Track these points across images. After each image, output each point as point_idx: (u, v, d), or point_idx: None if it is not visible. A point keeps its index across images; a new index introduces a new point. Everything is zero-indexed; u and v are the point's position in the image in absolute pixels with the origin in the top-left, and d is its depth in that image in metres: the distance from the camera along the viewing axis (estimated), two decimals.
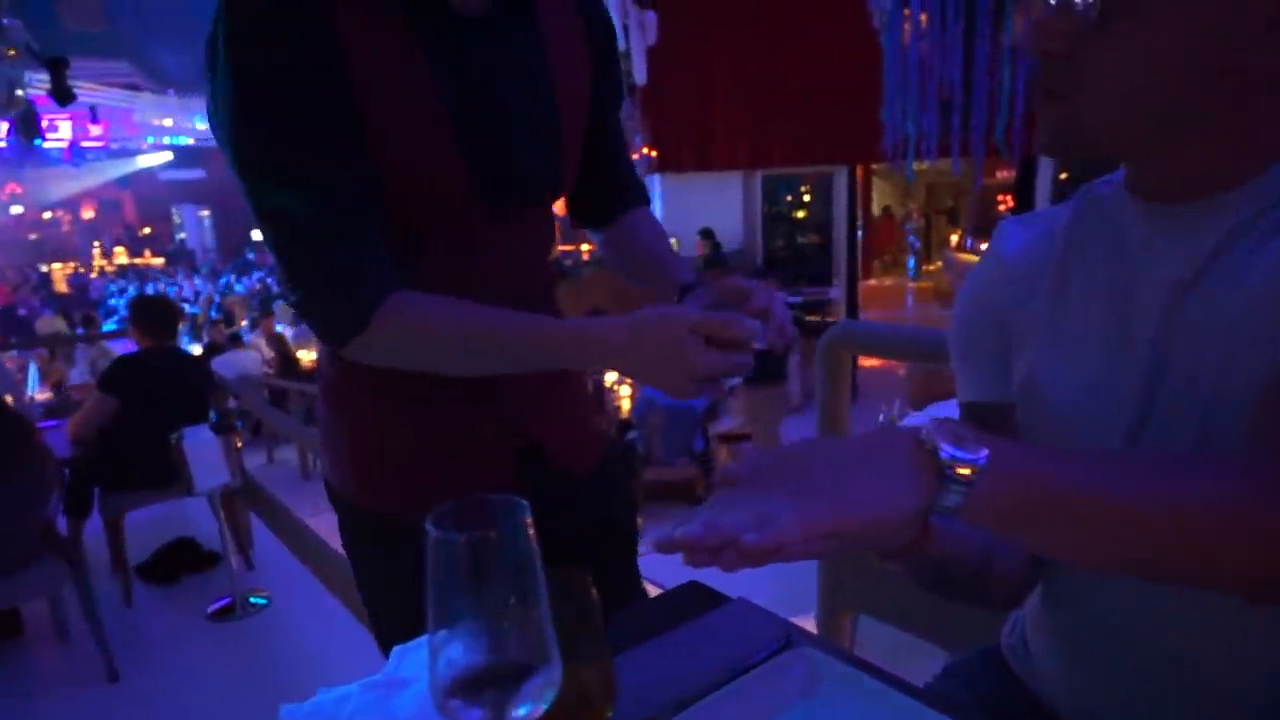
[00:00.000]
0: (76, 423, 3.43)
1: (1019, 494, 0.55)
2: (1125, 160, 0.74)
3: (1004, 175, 6.41)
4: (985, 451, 0.53)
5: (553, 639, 0.53)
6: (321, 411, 1.11)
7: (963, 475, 0.53)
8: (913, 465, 0.54)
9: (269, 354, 7.57)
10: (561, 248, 15.39)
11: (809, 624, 1.88)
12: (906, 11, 2.61)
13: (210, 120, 0.88)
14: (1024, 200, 6.08)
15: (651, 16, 6.12)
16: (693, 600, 0.94)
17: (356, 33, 0.85)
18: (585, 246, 14.63)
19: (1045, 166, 4.98)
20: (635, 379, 1.02)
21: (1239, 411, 0.64)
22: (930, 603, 1.54)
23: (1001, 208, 6.68)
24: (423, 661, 0.63)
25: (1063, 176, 5.31)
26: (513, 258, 1.04)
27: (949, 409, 2.26)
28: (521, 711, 0.51)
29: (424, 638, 0.54)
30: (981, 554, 0.78)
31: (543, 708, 0.52)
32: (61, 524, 3.09)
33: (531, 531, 0.52)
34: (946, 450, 0.53)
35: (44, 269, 14.33)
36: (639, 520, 4.10)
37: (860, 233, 7.57)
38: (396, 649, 0.77)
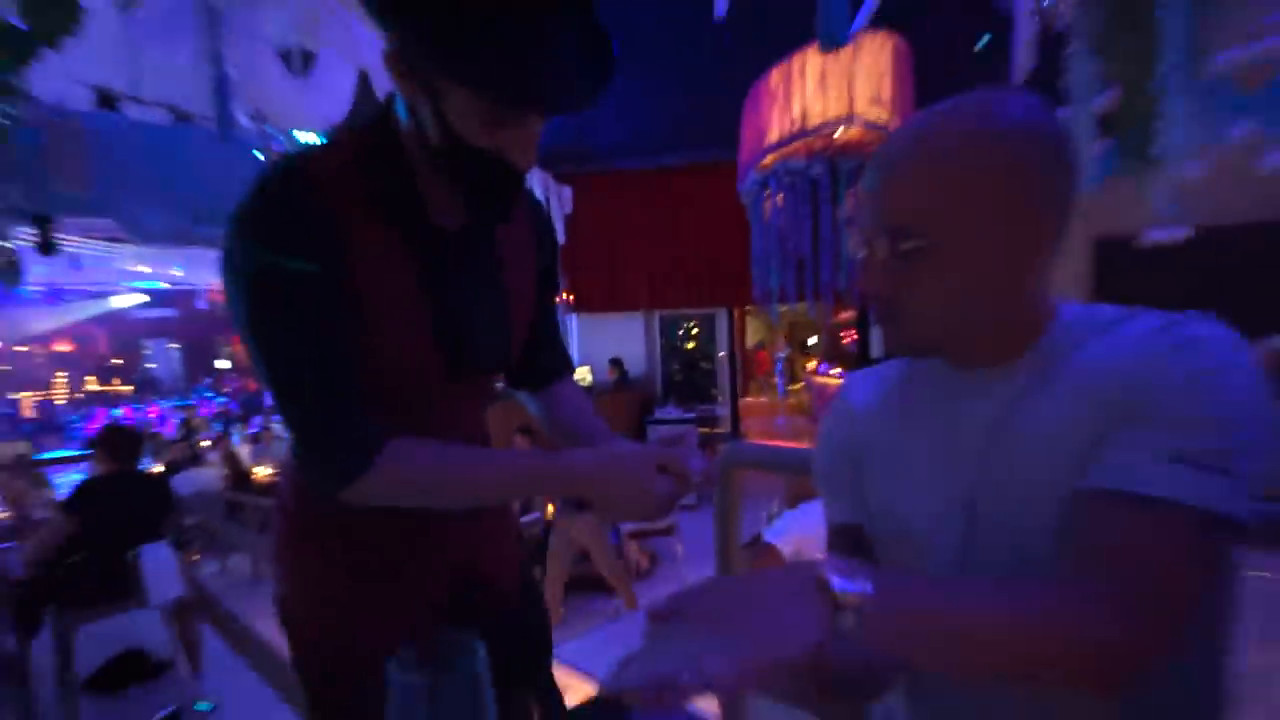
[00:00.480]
0: (33, 548, 3.23)
1: (900, 618, 0.56)
2: (935, 351, 0.79)
3: (846, 315, 6.98)
4: (870, 583, 0.55)
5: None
6: (278, 544, 1.06)
7: (853, 604, 0.54)
8: (811, 600, 0.54)
9: (225, 470, 7.27)
10: None
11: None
12: (767, 193, 2.86)
13: (228, 298, 0.87)
14: (862, 333, 6.66)
15: (568, 191, 6.76)
16: (604, 713, 0.94)
17: (360, 246, 0.87)
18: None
19: (873, 314, 5.36)
20: (602, 505, 0.91)
21: (1046, 524, 0.68)
22: (812, 697, 1.52)
23: (845, 340, 7.17)
24: None
25: None
26: (460, 412, 1.08)
27: (816, 507, 2.36)
28: None
29: None
30: (864, 664, 0.77)
31: None
32: (9, 642, 2.89)
33: (484, 666, 0.52)
34: (837, 584, 0.54)
35: (11, 397, 13.57)
36: (561, 612, 4.00)
37: (739, 361, 8.04)
38: None
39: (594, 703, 0.98)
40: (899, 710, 0.89)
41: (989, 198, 0.69)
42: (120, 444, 3.55)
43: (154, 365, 16.33)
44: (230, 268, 0.85)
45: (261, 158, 4.38)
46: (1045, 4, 2.71)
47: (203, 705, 3.25)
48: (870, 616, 0.54)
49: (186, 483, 6.21)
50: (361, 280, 0.88)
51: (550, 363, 1.20)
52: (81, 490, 3.36)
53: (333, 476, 0.87)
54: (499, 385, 1.19)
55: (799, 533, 2.17)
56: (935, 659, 0.60)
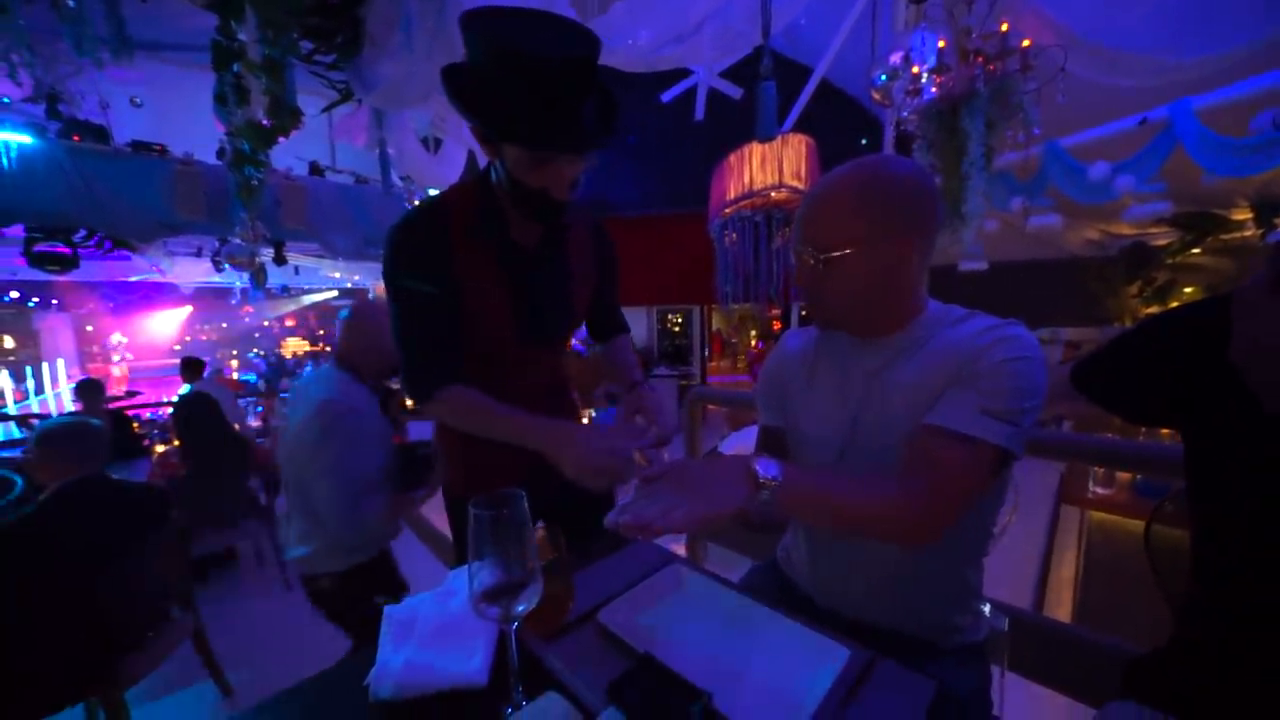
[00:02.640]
0: (271, 445, 3.23)
1: (794, 495, 0.57)
2: (847, 325, 0.75)
3: (775, 311, 6.91)
4: (779, 473, 0.56)
5: (538, 568, 0.52)
6: (435, 442, 1.09)
7: (768, 485, 0.55)
8: (743, 480, 0.55)
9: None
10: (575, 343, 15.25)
11: (680, 548, 1.90)
12: (726, 233, 2.82)
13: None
14: (785, 322, 6.45)
15: None
16: (614, 541, 0.89)
17: (463, 255, 0.86)
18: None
19: (795, 307, 5.32)
20: (557, 462, 0.77)
21: (898, 444, 0.67)
22: (744, 535, 1.55)
23: (775, 326, 7.15)
24: (465, 580, 0.65)
25: (803, 313, 5.65)
26: (531, 365, 1.00)
27: (748, 433, 2.36)
28: (520, 608, 0.52)
29: (465, 566, 0.54)
30: (763, 513, 0.74)
31: (533, 605, 0.52)
32: (262, 498, 2.90)
33: (526, 509, 0.51)
34: (761, 472, 0.55)
35: (258, 353, 13.59)
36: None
37: (707, 339, 8.01)
38: (451, 572, 0.73)
39: (599, 534, 0.94)
40: (795, 540, 0.89)
41: (878, 224, 0.66)
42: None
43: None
44: (384, 265, 0.87)
45: (408, 204, 4.25)
46: (902, 115, 2.66)
47: None
48: (777, 491, 0.55)
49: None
50: (462, 278, 0.87)
51: (610, 326, 1.12)
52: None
53: (412, 398, 0.90)
54: (581, 344, 1.13)
55: (738, 446, 2.18)
56: (813, 518, 0.64)
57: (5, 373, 8.56)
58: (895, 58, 2.64)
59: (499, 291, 0.90)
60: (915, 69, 2.30)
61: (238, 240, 3.68)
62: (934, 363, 0.67)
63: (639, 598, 0.71)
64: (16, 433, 4.67)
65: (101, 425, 1.51)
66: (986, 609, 0.79)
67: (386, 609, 0.66)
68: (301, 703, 0.59)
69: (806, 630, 0.64)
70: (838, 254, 0.68)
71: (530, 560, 0.52)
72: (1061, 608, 1.89)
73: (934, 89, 2.21)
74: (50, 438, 1.42)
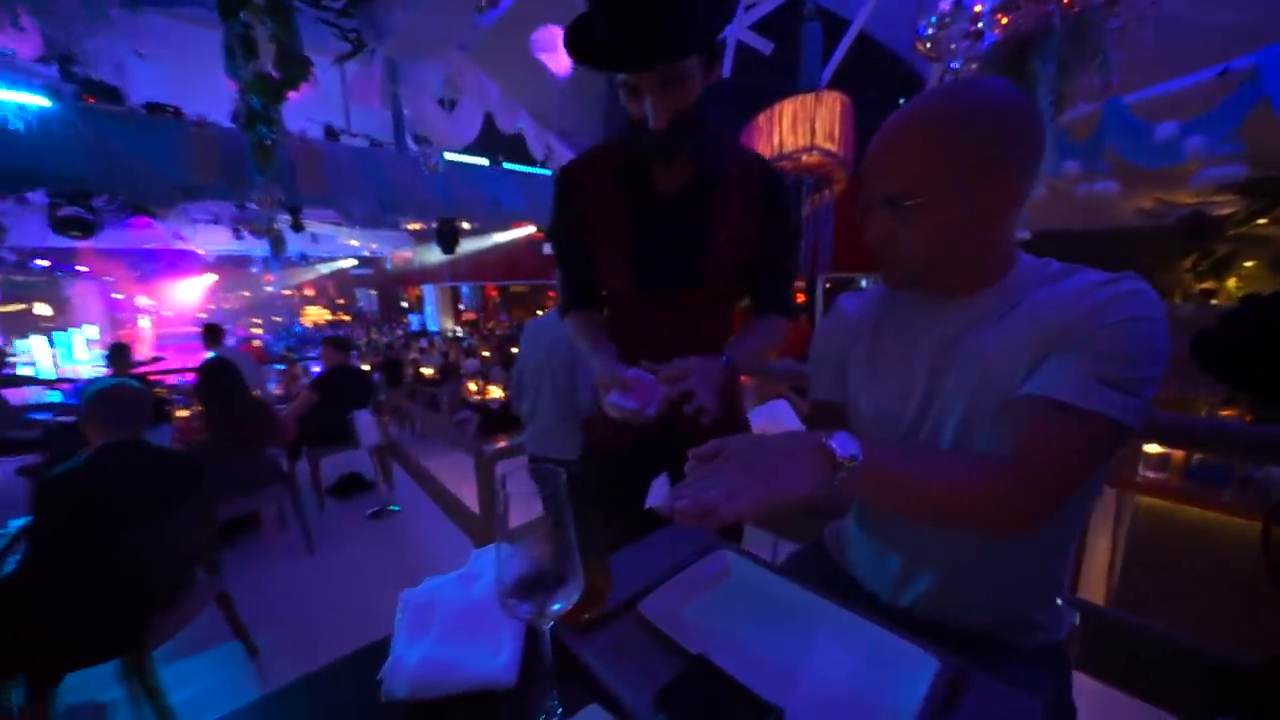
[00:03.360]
0: (294, 409, 3.25)
1: (877, 477, 0.53)
2: (924, 282, 0.68)
3: (800, 284, 6.67)
4: (861, 452, 0.51)
5: (578, 558, 0.46)
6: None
7: (847, 466, 0.51)
8: (817, 459, 0.51)
9: (409, 371, 7.37)
10: None
11: None
12: None
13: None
14: (809, 297, 6.22)
15: None
16: (654, 520, 0.83)
17: (594, 199, 0.95)
18: None
19: (820, 281, 5.11)
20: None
21: (984, 419, 0.62)
22: (789, 518, 1.47)
23: (800, 298, 6.95)
24: (491, 562, 0.62)
25: (828, 286, 5.46)
26: (651, 324, 0.98)
27: (775, 407, 2.27)
28: (556, 607, 0.46)
29: (492, 546, 0.50)
30: (833, 497, 0.73)
31: (570, 604, 0.47)
32: (284, 464, 2.92)
33: (565, 487, 0.46)
34: (839, 451, 0.51)
35: (276, 320, 13.79)
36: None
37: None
38: (474, 553, 0.70)
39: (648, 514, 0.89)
40: (852, 523, 0.85)
41: (970, 160, 0.58)
42: (337, 347, 3.52)
43: (361, 305, 16.37)
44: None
45: (426, 168, 4.13)
46: (951, 67, 2.42)
47: (394, 507, 3.31)
48: (856, 473, 0.51)
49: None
50: (590, 220, 0.96)
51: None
52: (322, 376, 3.36)
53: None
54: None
55: (764, 422, 2.12)
56: (894, 504, 0.57)
57: (43, 339, 8.83)
58: (945, 2, 2.40)
59: (620, 236, 0.94)
60: (978, 8, 2.06)
61: (254, 206, 3.62)
62: (1030, 325, 0.60)
63: (683, 587, 0.66)
64: (57, 396, 4.80)
65: (144, 389, 1.57)
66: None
67: (403, 594, 0.62)
68: (312, 695, 0.53)
69: (883, 632, 0.58)
70: (919, 200, 0.60)
71: (572, 550, 0.46)
72: (1097, 590, 1.81)
73: (996, 30, 1.97)
74: (99, 398, 1.48)
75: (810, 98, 2.57)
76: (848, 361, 0.78)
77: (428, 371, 7.42)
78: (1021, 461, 0.55)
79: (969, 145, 0.58)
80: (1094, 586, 1.89)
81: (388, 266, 13.68)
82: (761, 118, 2.77)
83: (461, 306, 16.58)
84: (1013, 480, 0.54)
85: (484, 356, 8.43)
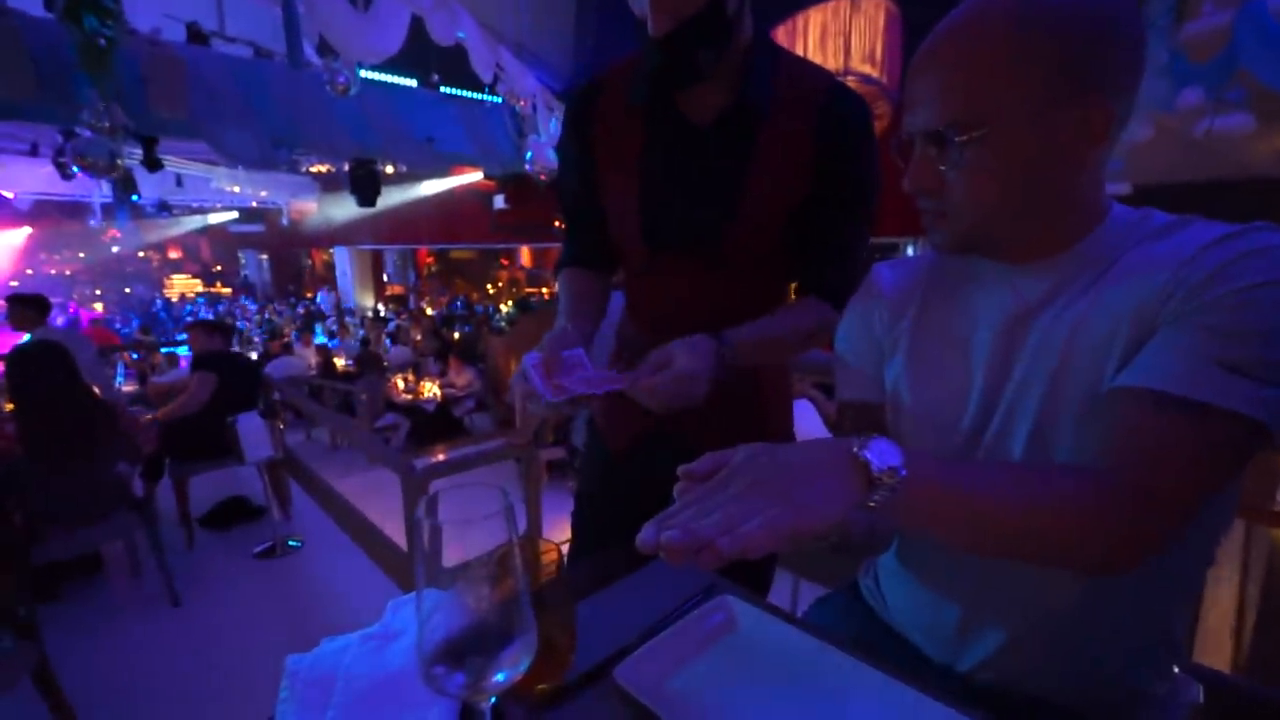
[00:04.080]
0: (181, 403, 3.19)
1: (929, 498, 0.52)
2: (988, 243, 0.67)
3: None
4: (904, 465, 0.50)
5: (529, 607, 0.45)
6: None
7: (888, 484, 0.49)
8: (848, 475, 0.50)
9: (312, 360, 7.28)
10: (528, 290, 15.32)
11: None
12: None
13: None
14: None
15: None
16: (635, 557, 0.85)
17: (605, 142, 0.99)
18: (545, 290, 14.56)
19: None
20: None
21: (1066, 420, 0.61)
22: (813, 555, 1.48)
23: None
24: (412, 614, 0.60)
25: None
26: (665, 289, 1.01)
27: (801, 405, 2.28)
28: (499, 676, 0.44)
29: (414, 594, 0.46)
30: (869, 526, 0.74)
31: (519, 672, 0.45)
32: (138, 486, 2.85)
33: (512, 507, 0.44)
34: (876, 464, 0.49)
35: (126, 291, 13.40)
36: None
37: None
38: (391, 603, 0.69)
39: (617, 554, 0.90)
40: (894, 561, 0.85)
41: (1041, 82, 0.56)
42: (210, 331, 3.46)
43: (246, 273, 16.03)
44: None
45: (330, 87, 4.02)
46: None
47: (293, 542, 3.26)
48: (900, 493, 0.49)
49: (279, 368, 6.16)
50: (599, 157, 0.99)
51: (806, 277, 1.00)
52: (212, 357, 3.30)
53: (553, 268, 1.11)
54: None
55: None
56: (954, 534, 0.55)
57: None
58: None
59: (630, 179, 0.97)
60: None
61: (88, 132, 3.45)
62: (1126, 295, 0.59)
63: (672, 646, 0.65)
64: None
65: None
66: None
67: (290, 661, 0.59)
68: None
69: (937, 706, 0.57)
70: (984, 130, 0.59)
71: (522, 598, 0.44)
72: (1220, 655, 1.85)
73: None
74: None
75: (845, 4, 2.53)
76: (886, 349, 0.77)
77: (340, 363, 7.33)
78: (1123, 474, 0.54)
79: (1045, 58, 0.56)
80: (1216, 648, 1.91)
81: (284, 223, 13.39)
82: (780, 30, 2.74)
83: (386, 277, 16.37)
84: (1112, 499, 0.53)
85: (416, 343, 8.34)
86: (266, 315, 11.13)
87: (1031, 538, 0.54)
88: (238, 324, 9.98)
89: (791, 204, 0.94)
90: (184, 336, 5.58)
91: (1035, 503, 0.53)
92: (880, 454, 0.50)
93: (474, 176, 10.48)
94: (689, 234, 0.95)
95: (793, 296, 1.05)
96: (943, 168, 0.62)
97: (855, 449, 0.50)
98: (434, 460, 2.46)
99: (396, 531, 2.86)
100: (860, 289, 0.83)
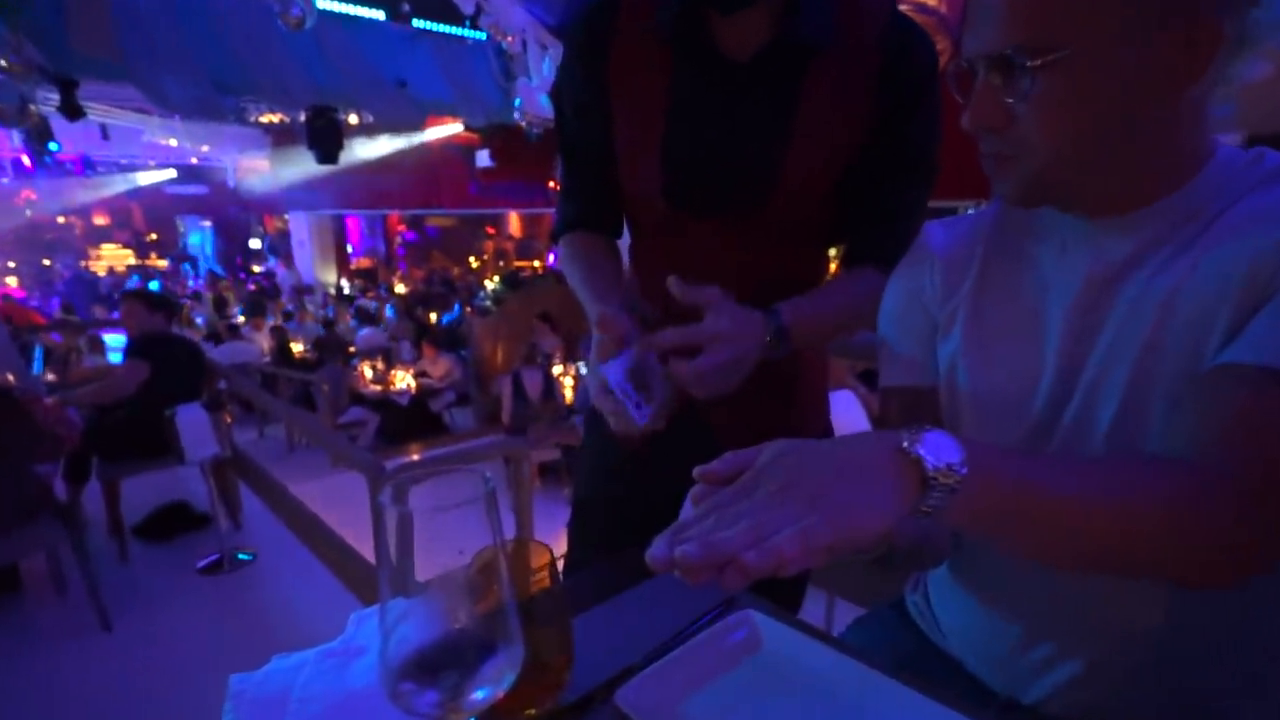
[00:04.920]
0: (106, 387, 3.25)
1: (997, 499, 0.51)
2: (1064, 193, 0.67)
3: None
4: (965, 460, 0.49)
5: (515, 615, 0.45)
6: None
7: (945, 484, 0.49)
8: (897, 474, 0.49)
9: (266, 345, 7.37)
10: (518, 263, 15.36)
11: None
12: None
13: None
14: None
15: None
16: (640, 560, 0.86)
17: (622, 81, 0.97)
18: (537, 263, 14.59)
19: None
20: None
21: (1158, 403, 0.61)
22: (852, 569, 1.49)
23: None
24: (375, 629, 0.59)
25: None
26: (686, 253, 0.99)
27: (836, 402, 2.30)
28: (479, 695, 0.44)
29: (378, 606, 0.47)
30: (920, 535, 0.74)
31: (503, 689, 0.45)
32: (61, 489, 2.90)
33: (493, 495, 0.45)
34: (930, 461, 0.49)
35: (46, 263, 13.54)
36: None
37: None
38: (354, 615, 0.70)
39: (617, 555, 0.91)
40: (941, 581, 0.86)
41: None
42: (152, 306, 3.49)
43: (189, 243, 16.16)
44: None
45: (281, 24, 4.02)
46: None
47: (245, 555, 3.31)
48: (960, 495, 0.48)
49: (227, 354, 6.24)
50: (615, 93, 0.97)
51: (859, 245, 1.00)
52: (151, 341, 3.34)
53: (550, 235, 1.13)
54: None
55: None
56: (1024, 542, 0.55)
57: None
58: None
59: (652, 120, 0.95)
60: None
61: None
62: (1237, 250, 0.59)
63: (686, 666, 0.65)
64: None
65: None
66: None
67: (234, 682, 0.61)
68: None
69: None
70: (1061, 53, 0.58)
71: (507, 605, 0.45)
72: None
73: None
74: None
75: None
76: (940, 324, 0.78)
77: (298, 348, 7.40)
78: (1230, 469, 0.54)
79: None
80: None
81: (230, 184, 13.44)
82: None
83: (351, 248, 16.42)
84: (1217, 498, 0.53)
85: (387, 324, 8.40)
86: (225, 291, 11.20)
87: (1118, 545, 0.54)
88: (182, 299, 10.11)
89: (843, 158, 0.94)
90: (117, 316, 5.65)
91: (1123, 503, 0.53)
92: (935, 448, 0.49)
93: (453, 128, 10.47)
94: (721, 191, 0.95)
95: (834, 268, 1.06)
96: (1010, 100, 0.61)
97: (905, 443, 0.50)
98: (408, 460, 2.49)
99: (364, 543, 2.89)
100: (909, 253, 0.83)
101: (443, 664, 0.44)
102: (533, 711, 0.59)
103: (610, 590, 0.81)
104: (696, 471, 0.53)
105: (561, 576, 0.65)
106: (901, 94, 0.92)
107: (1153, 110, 0.60)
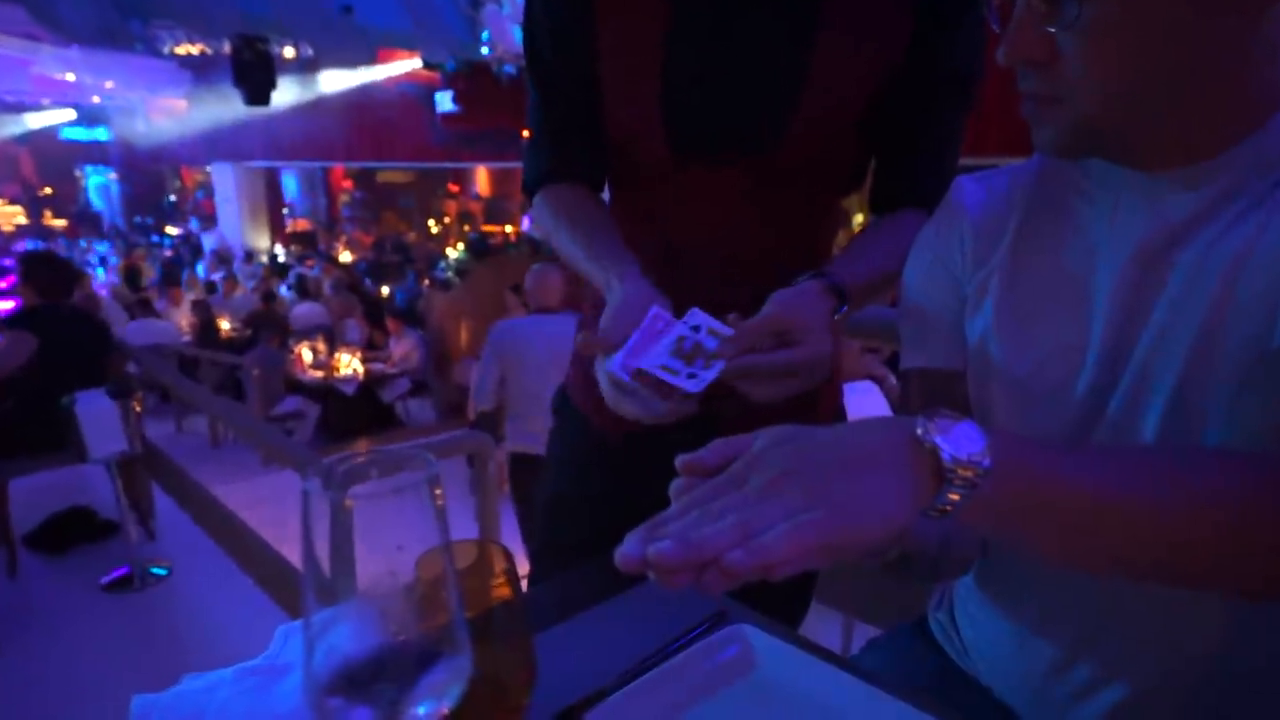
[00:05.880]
0: None
1: (1025, 497, 0.52)
2: (1116, 143, 0.68)
3: None
4: (988, 451, 0.50)
5: (462, 621, 0.46)
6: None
7: (965, 478, 0.49)
8: (909, 466, 0.50)
9: (185, 322, 7.36)
10: (487, 227, 15.30)
11: None
12: None
13: None
14: None
15: None
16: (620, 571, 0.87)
17: (610, 8, 0.96)
18: (509, 228, 14.56)
19: None
20: None
21: (1221, 386, 0.62)
22: (863, 581, 1.51)
23: None
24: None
25: None
26: (690, 207, 1.01)
27: (856, 394, 2.31)
28: (420, 711, 0.44)
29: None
30: (942, 540, 0.76)
31: (446, 706, 0.46)
32: None
33: (439, 490, 0.45)
34: (948, 452, 0.49)
35: None
36: None
37: None
38: (281, 628, 0.72)
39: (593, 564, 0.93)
40: (966, 594, 0.88)
41: None
42: (50, 274, 3.47)
43: (90, 198, 16.03)
44: None
45: None
46: None
47: (158, 569, 3.31)
48: (983, 491, 0.49)
49: (140, 332, 6.22)
50: (603, 17, 0.96)
51: (895, 184, 1.03)
52: (35, 312, 3.32)
53: (522, 190, 1.11)
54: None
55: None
56: (1057, 548, 0.56)
57: None
58: None
59: (650, 50, 0.95)
60: None
61: None
62: None
63: (667, 687, 0.66)
64: None
65: None
66: None
67: (137, 705, 0.63)
68: None
69: None
70: None
71: (454, 610, 0.46)
72: None
73: None
74: None
75: None
76: (971, 295, 0.79)
77: (226, 325, 7.37)
78: None
79: None
80: None
81: (139, 128, 13.26)
82: None
83: (288, 208, 16.28)
84: None
85: (328, 299, 8.37)
86: (131, 260, 11.12)
87: (1169, 553, 0.54)
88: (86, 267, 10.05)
89: (874, 80, 0.95)
90: (10, 282, 5.60)
91: (1175, 503, 0.53)
92: (955, 437, 0.50)
93: (410, 64, 10.34)
94: (733, 126, 0.96)
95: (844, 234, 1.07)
96: (1054, 30, 0.62)
97: (919, 430, 0.50)
98: (353, 459, 2.50)
99: (299, 555, 2.91)
100: (936, 213, 0.85)
101: (377, 677, 0.44)
102: None
103: (583, 603, 0.82)
104: (680, 461, 0.53)
105: (527, 584, 0.66)
106: (941, 8, 0.93)
107: (1219, 45, 0.61)
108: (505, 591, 0.62)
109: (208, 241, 13.67)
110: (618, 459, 1.10)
